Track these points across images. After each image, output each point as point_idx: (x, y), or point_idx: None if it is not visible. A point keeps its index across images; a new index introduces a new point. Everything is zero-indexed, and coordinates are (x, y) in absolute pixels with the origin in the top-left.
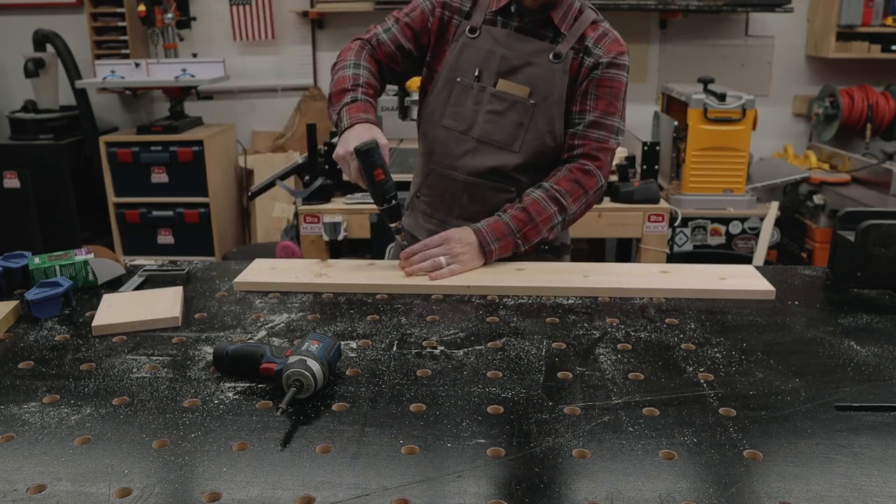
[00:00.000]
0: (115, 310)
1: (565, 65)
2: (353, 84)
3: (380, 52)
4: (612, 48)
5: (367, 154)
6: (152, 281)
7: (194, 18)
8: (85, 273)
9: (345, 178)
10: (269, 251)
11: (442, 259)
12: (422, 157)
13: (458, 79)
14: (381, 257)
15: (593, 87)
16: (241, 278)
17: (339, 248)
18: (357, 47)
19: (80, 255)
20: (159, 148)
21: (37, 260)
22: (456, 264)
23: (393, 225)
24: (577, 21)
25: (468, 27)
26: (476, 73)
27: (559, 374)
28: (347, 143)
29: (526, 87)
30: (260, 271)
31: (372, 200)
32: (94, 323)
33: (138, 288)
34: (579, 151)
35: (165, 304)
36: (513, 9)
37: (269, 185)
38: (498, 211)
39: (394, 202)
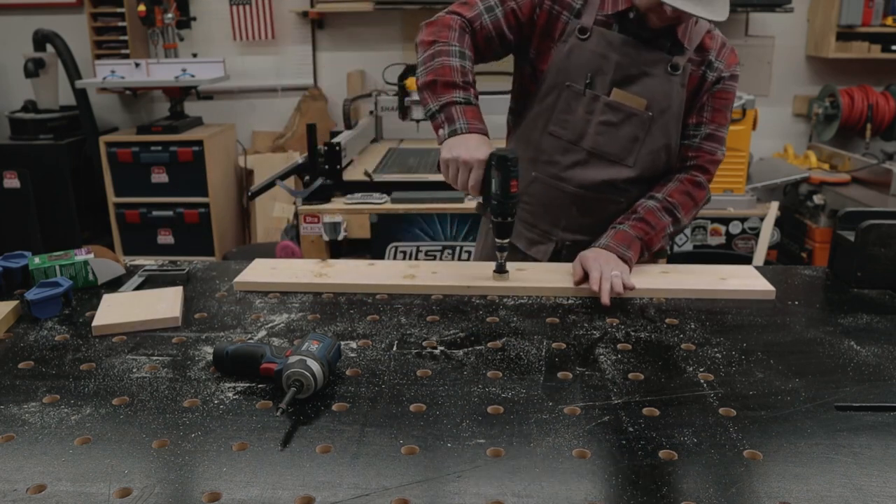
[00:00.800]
0: (115, 310)
1: (683, 78)
2: (463, 80)
3: (479, 36)
4: (732, 61)
5: (511, 162)
6: (152, 281)
7: (194, 18)
8: (85, 273)
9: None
10: (269, 251)
11: (617, 273)
12: (522, 161)
13: (568, 83)
14: (382, 257)
15: (710, 100)
16: (241, 278)
17: (339, 248)
18: (458, 28)
19: (80, 255)
20: (159, 148)
21: (37, 260)
22: (619, 270)
23: (502, 241)
24: (694, 30)
25: (578, 27)
26: (587, 80)
27: (559, 374)
28: (473, 151)
29: (643, 100)
30: (260, 271)
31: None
32: (94, 323)
33: (138, 288)
34: (692, 163)
35: (165, 304)
36: (632, 15)
37: (269, 185)
38: (612, 224)
39: (510, 220)
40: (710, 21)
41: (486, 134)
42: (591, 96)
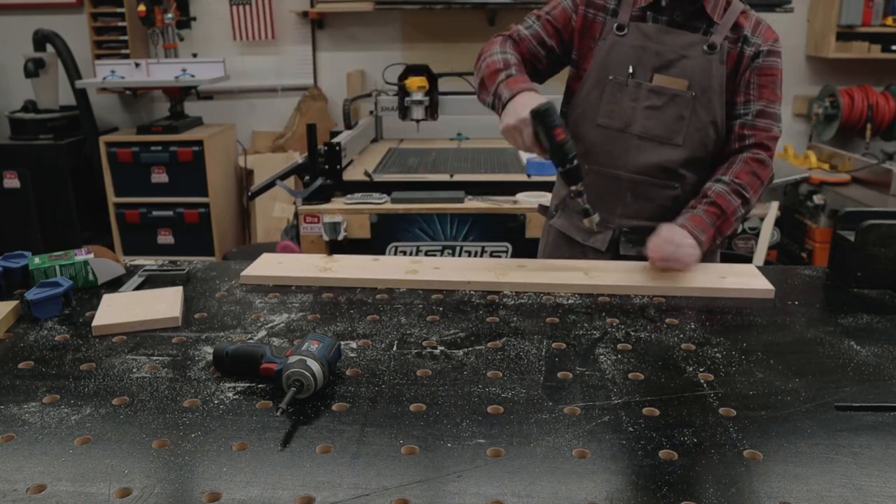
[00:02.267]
0: (115, 310)
1: (721, 55)
2: (504, 65)
3: (522, 46)
4: (769, 36)
5: (546, 114)
6: (152, 281)
7: (194, 18)
8: (85, 273)
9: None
10: (269, 251)
11: (678, 259)
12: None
13: (611, 76)
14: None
15: (755, 76)
16: (247, 272)
17: (340, 248)
18: (500, 41)
19: (80, 255)
20: (159, 148)
21: (37, 260)
22: (689, 258)
23: (574, 188)
24: (728, 10)
25: (615, 25)
26: (630, 70)
27: (559, 374)
28: (517, 112)
29: (684, 80)
30: (266, 266)
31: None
32: (94, 323)
33: (138, 288)
34: (750, 142)
35: (165, 304)
36: (663, 3)
37: (269, 185)
38: (671, 213)
39: (575, 162)
40: None
41: (530, 90)
42: (634, 84)
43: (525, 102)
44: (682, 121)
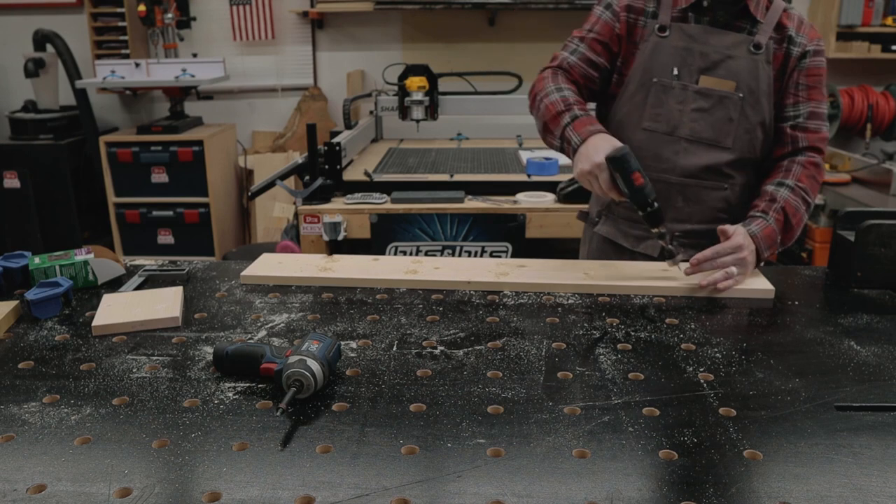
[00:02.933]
0: (115, 310)
1: (767, 55)
2: (564, 106)
3: (574, 73)
4: (813, 35)
5: (623, 160)
6: (152, 281)
7: (194, 18)
8: (85, 273)
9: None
10: (269, 251)
11: (734, 269)
12: None
13: (655, 79)
14: None
15: (803, 77)
16: (247, 272)
17: (340, 249)
18: (550, 75)
19: (80, 255)
20: (159, 148)
21: (37, 260)
22: (741, 273)
23: (656, 230)
24: (770, 9)
25: (657, 26)
26: (674, 72)
27: (559, 374)
28: (591, 157)
29: (731, 82)
30: (266, 266)
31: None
32: (94, 323)
33: (138, 288)
34: (804, 144)
35: (165, 304)
36: (705, 3)
37: (269, 185)
38: (721, 214)
39: (656, 205)
40: None
41: (600, 132)
42: (680, 87)
43: (598, 146)
44: (731, 123)
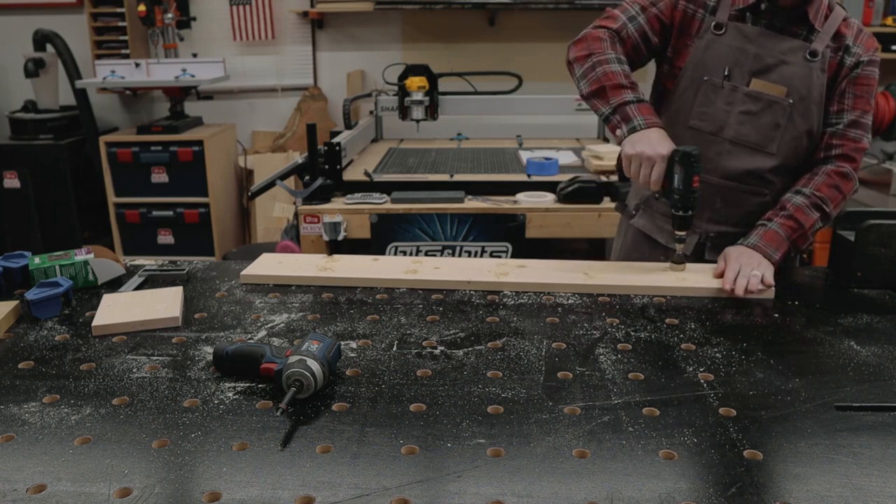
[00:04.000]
0: (115, 310)
1: (823, 63)
2: (629, 82)
3: (627, 45)
4: (870, 45)
5: (694, 158)
6: (152, 281)
7: (194, 18)
8: (85, 273)
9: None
10: (269, 251)
11: (757, 272)
12: None
13: (706, 77)
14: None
15: (851, 86)
16: (247, 271)
17: (340, 249)
18: (608, 38)
19: (80, 255)
20: (159, 148)
21: (37, 260)
22: (759, 269)
23: (681, 233)
24: (830, 18)
25: (713, 23)
26: (725, 72)
27: (559, 374)
28: (655, 146)
29: (783, 87)
30: (266, 266)
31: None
32: (94, 323)
33: (138, 288)
34: (837, 152)
35: (165, 304)
36: (763, 6)
37: (269, 185)
38: (759, 219)
39: (691, 213)
40: None
41: (662, 126)
42: (729, 88)
43: (662, 137)
44: (778, 129)
